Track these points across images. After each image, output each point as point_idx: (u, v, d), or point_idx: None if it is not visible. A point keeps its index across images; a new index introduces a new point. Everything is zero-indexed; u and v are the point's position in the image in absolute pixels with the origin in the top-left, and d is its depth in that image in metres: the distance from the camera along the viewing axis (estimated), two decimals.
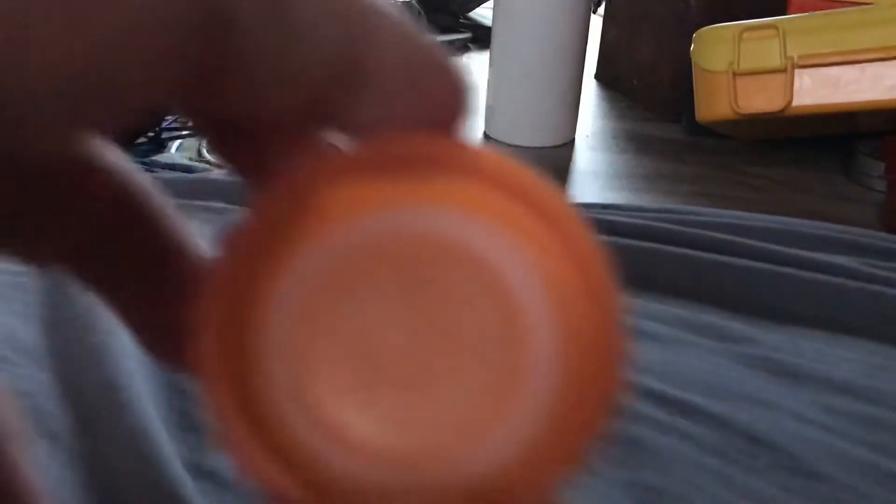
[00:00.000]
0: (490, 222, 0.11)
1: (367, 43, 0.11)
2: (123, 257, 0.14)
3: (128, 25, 0.09)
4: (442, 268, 0.11)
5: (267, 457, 0.11)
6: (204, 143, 1.15)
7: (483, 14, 1.33)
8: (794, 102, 0.79)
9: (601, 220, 0.55)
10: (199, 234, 0.14)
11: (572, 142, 0.91)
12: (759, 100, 0.81)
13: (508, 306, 0.11)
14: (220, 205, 0.51)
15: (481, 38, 1.22)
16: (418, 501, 0.11)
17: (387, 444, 0.11)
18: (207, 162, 1.10)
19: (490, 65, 0.89)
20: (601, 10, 1.26)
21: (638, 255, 0.51)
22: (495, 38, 0.87)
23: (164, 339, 0.14)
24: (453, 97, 0.12)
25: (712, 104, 0.84)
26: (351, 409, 0.11)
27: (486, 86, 0.91)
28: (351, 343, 0.11)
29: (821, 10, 0.82)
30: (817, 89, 0.79)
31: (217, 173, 0.56)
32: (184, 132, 1.20)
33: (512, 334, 0.11)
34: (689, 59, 0.88)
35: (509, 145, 0.89)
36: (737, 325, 0.46)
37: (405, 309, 0.11)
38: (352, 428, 0.11)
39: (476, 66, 1.15)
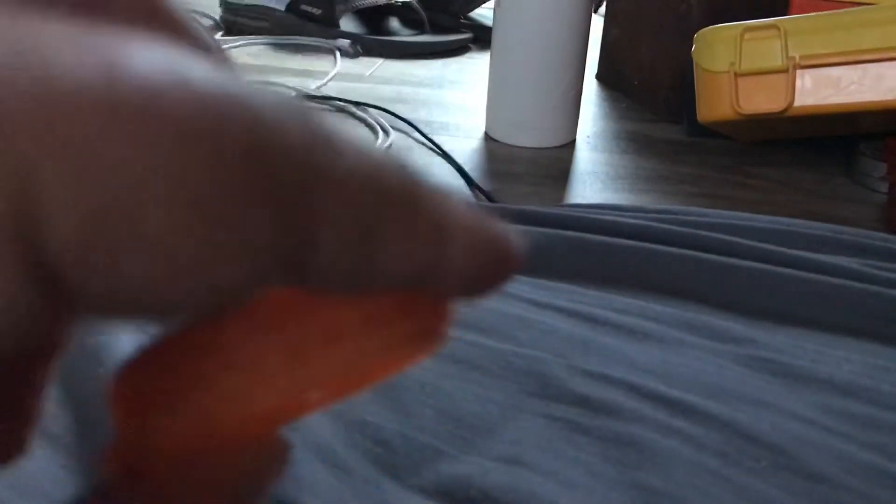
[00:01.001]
0: None
1: (443, 256, 0.12)
2: None
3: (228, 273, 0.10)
4: None
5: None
6: None
7: (484, 14, 1.33)
8: (796, 103, 0.79)
9: (602, 220, 0.55)
10: None
11: (573, 142, 0.91)
12: (760, 100, 0.81)
13: None
14: None
15: (482, 38, 1.22)
16: None
17: None
18: None
19: (490, 65, 0.89)
20: (602, 10, 1.26)
21: (639, 255, 0.51)
22: (496, 39, 0.87)
23: None
24: (503, 280, 0.13)
25: (713, 105, 0.84)
26: None
27: (486, 86, 0.91)
28: None
29: (822, 10, 0.82)
30: (819, 90, 0.79)
31: None
32: None
33: None
34: (690, 60, 0.87)
35: (510, 146, 0.89)
36: (738, 327, 0.46)
37: None
38: None
39: (476, 67, 1.15)
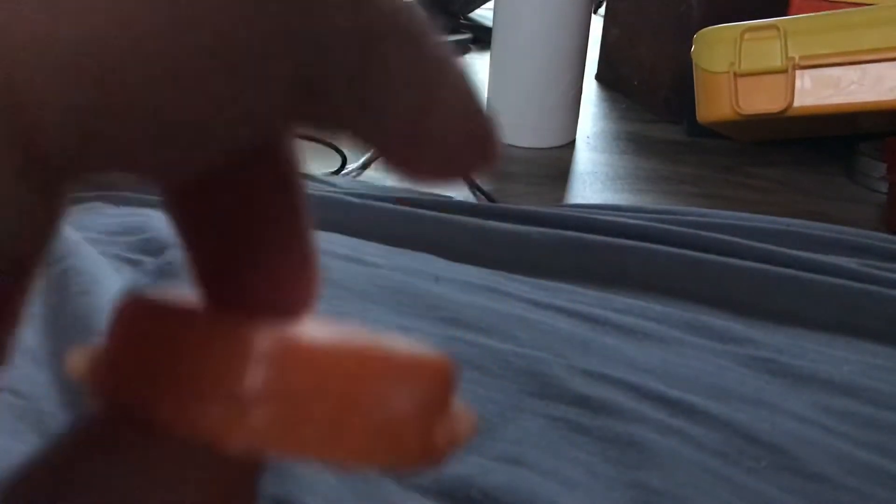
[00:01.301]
0: None
1: (432, 113, 0.12)
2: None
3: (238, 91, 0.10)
4: None
5: None
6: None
7: (484, 15, 1.33)
8: (796, 103, 0.79)
9: (602, 220, 0.55)
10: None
11: (573, 143, 0.91)
12: (760, 100, 0.81)
13: None
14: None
15: (482, 38, 1.22)
16: None
17: None
18: None
19: (491, 66, 0.89)
20: (602, 10, 1.26)
21: (639, 255, 0.51)
22: (496, 39, 0.87)
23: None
24: (483, 161, 0.13)
25: (713, 105, 0.84)
26: None
27: (486, 87, 0.91)
28: None
29: (822, 10, 0.82)
30: (818, 90, 0.79)
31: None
32: None
33: None
34: (690, 60, 0.88)
35: (510, 146, 0.89)
36: (738, 327, 0.46)
37: None
38: None
39: (477, 67, 1.15)
